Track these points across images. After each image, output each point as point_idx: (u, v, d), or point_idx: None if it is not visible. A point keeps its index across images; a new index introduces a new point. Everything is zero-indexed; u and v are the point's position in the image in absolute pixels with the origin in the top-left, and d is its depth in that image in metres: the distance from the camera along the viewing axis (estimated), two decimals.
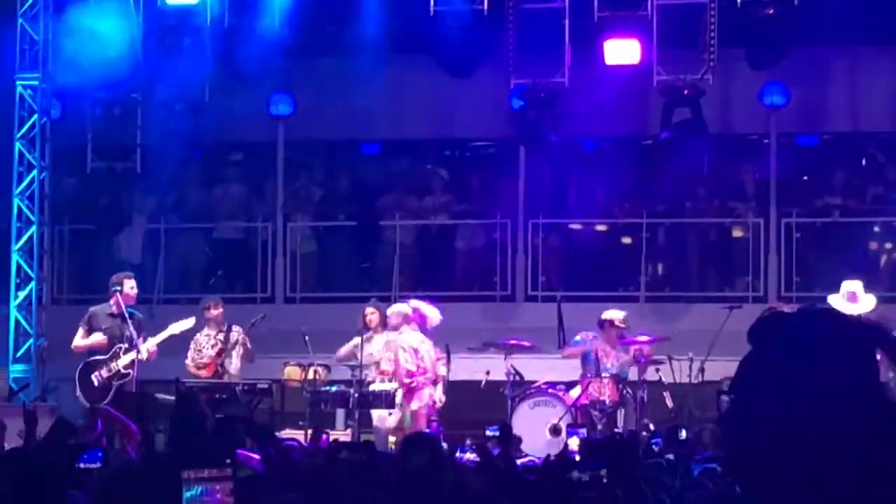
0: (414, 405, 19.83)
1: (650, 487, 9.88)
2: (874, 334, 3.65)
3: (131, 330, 19.79)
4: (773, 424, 3.51)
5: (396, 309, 20.28)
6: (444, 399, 20.15)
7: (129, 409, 18.98)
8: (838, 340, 3.56)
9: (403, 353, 19.89)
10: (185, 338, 20.84)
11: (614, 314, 20.67)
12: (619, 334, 20.53)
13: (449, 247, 26.16)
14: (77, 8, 23.78)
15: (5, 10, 23.95)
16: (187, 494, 7.14)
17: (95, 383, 19.82)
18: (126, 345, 19.77)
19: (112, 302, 19.97)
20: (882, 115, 24.26)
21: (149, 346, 19.95)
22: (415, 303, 20.41)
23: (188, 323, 20.09)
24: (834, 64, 23.73)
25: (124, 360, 19.70)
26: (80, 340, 20.06)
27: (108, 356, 19.82)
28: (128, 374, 19.78)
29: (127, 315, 19.91)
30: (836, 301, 19.16)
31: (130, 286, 20.10)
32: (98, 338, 19.86)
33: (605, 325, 20.63)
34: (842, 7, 22.60)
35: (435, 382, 20.06)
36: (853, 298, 19.09)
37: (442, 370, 20.20)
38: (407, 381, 19.83)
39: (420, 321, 20.06)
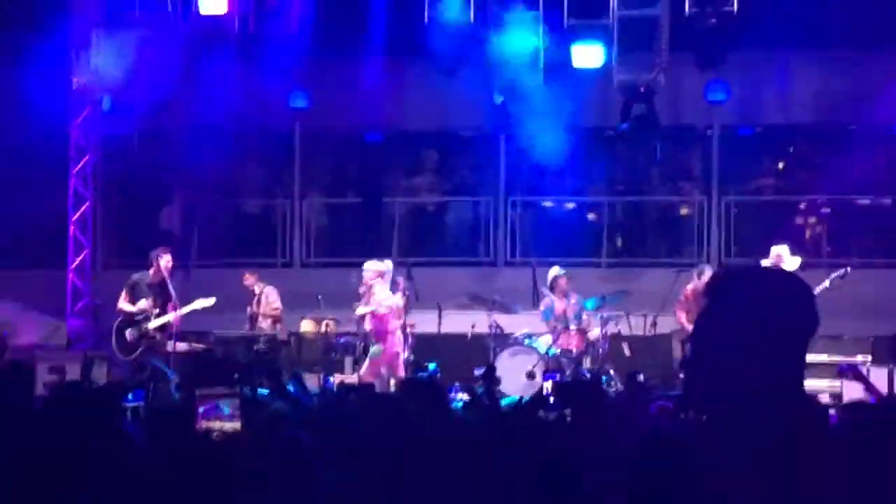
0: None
1: (612, 422, 9.82)
2: (804, 287, 3.65)
3: (174, 295, 19.77)
4: (724, 364, 3.51)
5: (377, 265, 20.20)
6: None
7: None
8: (769, 292, 3.57)
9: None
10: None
11: (555, 271, 20.75)
12: (565, 286, 20.42)
13: (440, 220, 26.23)
14: (125, 14, 23.71)
15: (60, 13, 23.87)
16: None
17: (128, 339, 19.81)
18: (157, 310, 19.76)
19: (151, 272, 19.93)
20: (807, 110, 24.26)
21: (172, 316, 19.92)
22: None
23: (209, 301, 19.96)
24: (767, 66, 23.70)
25: (154, 323, 19.67)
26: (123, 303, 20.00)
27: (141, 318, 19.78)
28: (154, 337, 19.75)
29: (167, 284, 19.95)
30: (766, 264, 19.01)
31: (166, 261, 20.00)
32: (143, 304, 19.79)
33: (553, 284, 20.60)
34: (774, 17, 22.58)
35: (403, 328, 20.02)
36: (779, 260, 19.03)
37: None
38: (382, 310, 19.75)
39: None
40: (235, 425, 6.94)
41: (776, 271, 3.75)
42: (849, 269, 19.42)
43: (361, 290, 20.08)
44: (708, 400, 3.67)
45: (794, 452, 3.41)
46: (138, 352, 19.69)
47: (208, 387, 9.19)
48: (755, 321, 3.55)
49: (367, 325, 19.92)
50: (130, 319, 19.94)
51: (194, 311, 19.89)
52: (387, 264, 20.39)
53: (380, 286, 19.99)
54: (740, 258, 23.24)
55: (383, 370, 19.24)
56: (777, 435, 3.43)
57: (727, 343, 3.58)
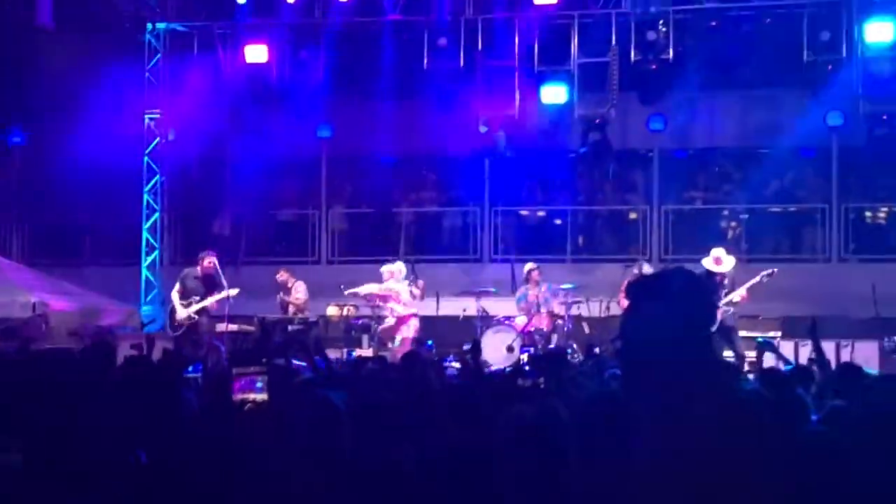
0: (404, 332, 19.94)
1: (574, 386, 9.90)
2: (708, 285, 3.77)
3: (225, 284, 19.89)
4: (644, 351, 3.59)
5: (390, 267, 20.37)
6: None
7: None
8: (685, 290, 3.64)
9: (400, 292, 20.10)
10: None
11: (529, 266, 20.76)
12: (537, 277, 20.48)
13: (438, 226, 26.24)
14: (187, 62, 23.81)
15: (136, 64, 23.95)
16: None
17: (176, 319, 20.07)
18: (198, 297, 19.99)
19: (198, 268, 20.14)
20: (729, 137, 24.29)
21: (208, 302, 20.11)
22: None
23: (234, 291, 20.01)
24: (697, 101, 23.70)
25: (193, 308, 19.86)
26: (174, 293, 20.30)
27: (186, 304, 20.01)
28: (194, 318, 19.95)
29: (216, 277, 20.14)
30: (707, 262, 18.81)
31: (208, 261, 20.23)
32: (206, 301, 20.10)
33: (528, 276, 20.65)
34: (702, 62, 22.65)
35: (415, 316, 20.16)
36: (718, 261, 18.84)
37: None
38: (401, 309, 20.03)
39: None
40: (264, 396, 7.03)
41: (677, 271, 3.78)
42: (775, 270, 19.13)
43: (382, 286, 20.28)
44: (642, 385, 3.77)
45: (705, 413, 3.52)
46: (183, 329, 19.94)
47: (254, 360, 9.29)
48: (664, 317, 3.67)
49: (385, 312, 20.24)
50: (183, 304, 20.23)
51: (230, 298, 20.04)
52: (398, 265, 20.55)
53: (394, 283, 20.18)
54: (676, 255, 23.25)
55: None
56: (691, 400, 3.54)
57: (646, 338, 3.70)
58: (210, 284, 20.15)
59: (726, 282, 18.83)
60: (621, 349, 3.85)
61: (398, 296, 20.18)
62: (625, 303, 19.04)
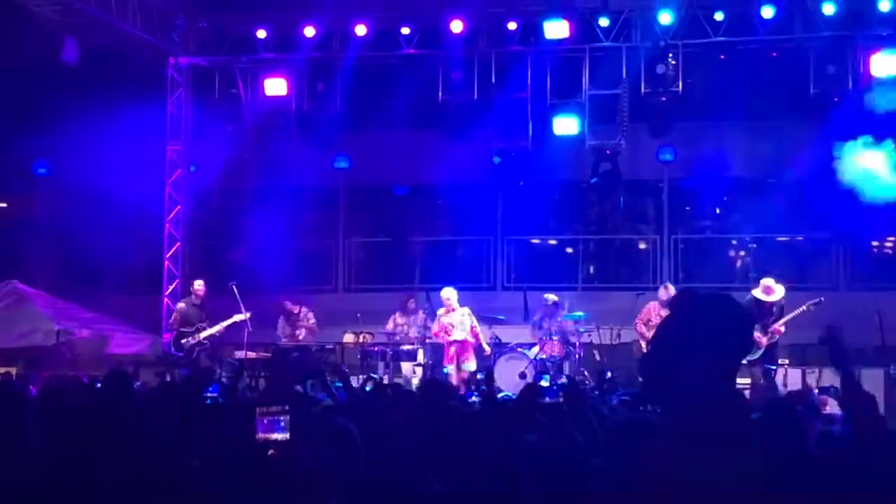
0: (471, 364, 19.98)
1: (588, 410, 9.92)
2: (747, 315, 3.78)
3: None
4: (673, 363, 3.60)
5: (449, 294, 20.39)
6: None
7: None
8: (720, 314, 3.66)
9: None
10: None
11: (549, 296, 20.66)
12: (554, 307, 20.43)
13: (452, 254, 26.24)
14: (209, 96, 23.92)
15: (158, 97, 24.06)
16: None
17: (185, 346, 20.15)
18: (205, 324, 20.12)
19: (192, 296, 20.44)
20: (737, 167, 24.26)
21: (218, 328, 20.21)
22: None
23: (245, 315, 20.12)
24: (705, 133, 23.79)
25: (204, 334, 20.04)
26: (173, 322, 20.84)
27: (192, 330, 20.14)
28: (205, 343, 20.09)
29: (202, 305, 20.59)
30: (757, 293, 18.62)
31: (198, 286, 20.49)
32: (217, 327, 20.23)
33: (545, 303, 20.59)
34: (711, 95, 22.75)
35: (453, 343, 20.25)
36: (769, 291, 18.62)
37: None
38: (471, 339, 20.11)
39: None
40: (286, 436, 7.02)
41: (726, 298, 3.81)
42: (822, 299, 18.89)
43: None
44: (661, 394, 3.79)
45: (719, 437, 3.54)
46: (193, 355, 20.05)
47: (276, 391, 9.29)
48: (703, 337, 3.67)
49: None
50: (185, 332, 20.32)
51: (248, 323, 20.16)
52: (446, 292, 20.52)
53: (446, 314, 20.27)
54: (686, 283, 23.21)
55: None
56: (706, 427, 3.56)
57: (678, 351, 3.68)
58: (206, 310, 20.41)
59: (775, 309, 18.62)
60: (651, 350, 3.87)
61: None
62: (642, 328, 19.03)
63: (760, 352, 18.36)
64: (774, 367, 18.49)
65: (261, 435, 6.82)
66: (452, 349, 19.94)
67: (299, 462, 6.47)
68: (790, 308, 18.64)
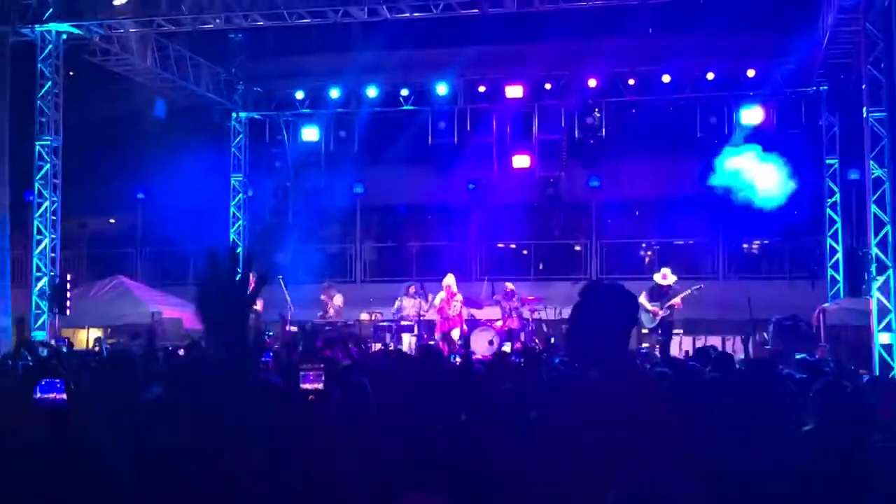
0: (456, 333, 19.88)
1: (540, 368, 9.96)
2: (632, 296, 3.89)
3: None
4: (581, 332, 3.71)
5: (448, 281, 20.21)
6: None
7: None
8: (611, 295, 3.77)
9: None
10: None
11: (507, 285, 20.52)
12: (511, 293, 20.38)
13: (438, 257, 26.22)
14: (261, 140, 23.99)
15: (224, 141, 24.10)
16: None
17: None
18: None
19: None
20: (646, 189, 24.26)
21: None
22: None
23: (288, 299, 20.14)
24: (622, 166, 23.82)
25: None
26: None
27: None
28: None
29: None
30: (657, 278, 18.73)
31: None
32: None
33: (505, 290, 20.54)
34: (626, 137, 22.80)
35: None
36: (665, 277, 18.60)
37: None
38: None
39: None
40: (320, 387, 7.06)
41: (616, 286, 3.93)
42: (701, 286, 18.98)
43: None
44: (581, 355, 3.92)
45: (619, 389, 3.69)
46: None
47: (311, 355, 9.33)
48: (602, 313, 3.79)
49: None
50: None
51: (290, 307, 20.14)
52: (449, 279, 20.24)
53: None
54: (609, 275, 23.25)
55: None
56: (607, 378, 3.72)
57: (586, 324, 3.82)
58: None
59: (670, 292, 18.70)
60: (569, 329, 3.98)
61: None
62: None
63: (657, 321, 18.42)
64: (666, 338, 18.41)
65: (303, 384, 6.88)
66: (446, 323, 19.94)
67: (330, 405, 6.54)
68: (682, 290, 18.78)
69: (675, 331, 19.03)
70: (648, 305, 18.36)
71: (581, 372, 4.13)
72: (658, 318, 18.45)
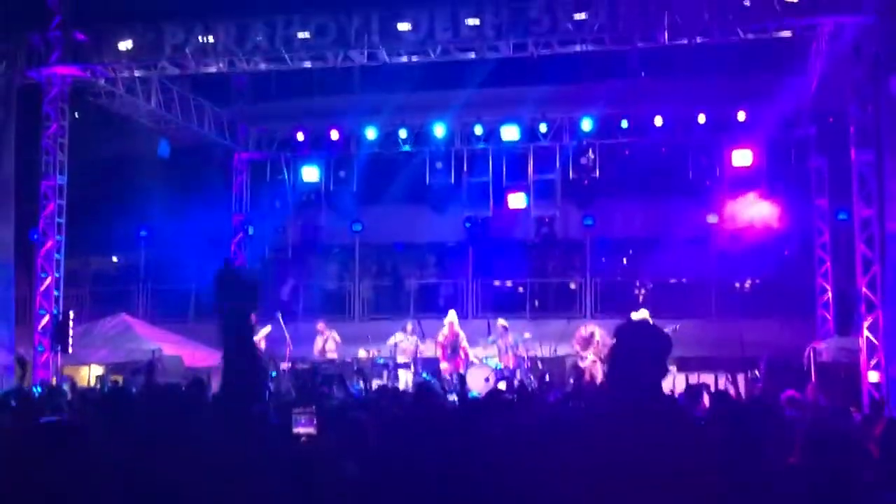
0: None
1: (533, 405, 9.96)
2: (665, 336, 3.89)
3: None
4: (619, 370, 3.72)
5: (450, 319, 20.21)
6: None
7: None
8: (648, 335, 3.78)
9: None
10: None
11: (501, 321, 20.47)
12: (504, 330, 20.32)
13: (435, 295, 26.26)
14: (262, 180, 24.05)
15: (226, 181, 24.15)
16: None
17: None
18: None
19: None
20: (638, 228, 24.37)
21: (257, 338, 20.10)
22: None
23: (268, 328, 19.96)
24: (615, 206, 23.91)
25: None
26: None
27: None
28: None
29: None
30: (635, 318, 18.95)
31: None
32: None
33: (500, 328, 20.48)
34: (618, 179, 22.89)
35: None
36: (643, 316, 19.01)
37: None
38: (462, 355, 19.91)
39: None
40: (313, 431, 7.05)
41: (648, 324, 3.98)
42: (678, 326, 19.05)
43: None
44: (619, 394, 3.92)
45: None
46: None
47: (309, 394, 9.36)
48: (640, 348, 3.85)
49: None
50: None
51: (289, 345, 20.04)
52: (452, 315, 20.28)
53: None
54: (603, 313, 23.17)
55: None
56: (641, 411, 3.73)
57: (626, 361, 3.86)
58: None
59: None
60: (609, 367, 3.99)
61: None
62: (577, 347, 18.94)
63: None
64: None
65: (296, 429, 6.86)
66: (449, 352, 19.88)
67: (324, 446, 6.52)
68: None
69: (671, 367, 19.02)
70: None
71: (587, 409, 4.13)
72: None
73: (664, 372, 3.91)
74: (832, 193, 21.27)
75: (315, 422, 6.89)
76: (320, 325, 21.20)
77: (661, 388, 4.00)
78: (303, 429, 6.89)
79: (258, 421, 7.41)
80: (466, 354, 19.99)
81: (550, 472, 3.81)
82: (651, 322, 4.14)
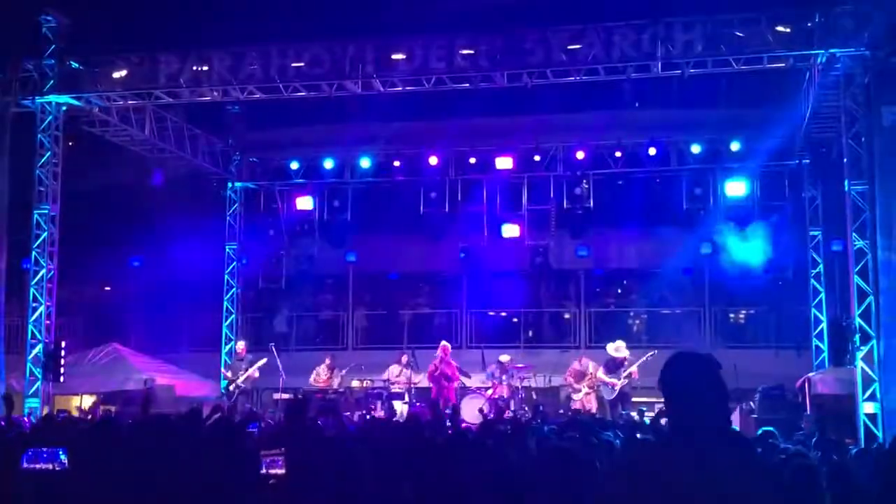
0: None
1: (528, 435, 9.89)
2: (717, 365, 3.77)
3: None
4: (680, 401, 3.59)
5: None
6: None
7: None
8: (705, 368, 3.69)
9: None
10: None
11: (503, 357, 20.45)
12: (506, 365, 20.28)
13: (430, 323, 26.17)
14: (256, 209, 23.99)
15: (219, 210, 24.04)
16: None
17: (231, 390, 19.99)
18: (242, 371, 19.83)
19: (236, 354, 20.21)
20: (633, 260, 24.41)
21: (250, 371, 19.96)
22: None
23: (263, 360, 20.01)
24: (609, 236, 23.90)
25: (241, 378, 19.76)
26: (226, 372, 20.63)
27: (234, 377, 19.97)
28: (242, 386, 19.86)
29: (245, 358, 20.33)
30: (611, 350, 19.46)
31: (241, 346, 20.33)
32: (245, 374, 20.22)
33: (499, 362, 20.39)
34: (612, 208, 22.90)
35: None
36: (618, 350, 19.38)
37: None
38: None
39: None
40: (281, 472, 6.99)
41: (699, 354, 3.88)
42: (655, 352, 19.20)
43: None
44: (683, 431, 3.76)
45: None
46: (234, 398, 19.76)
47: (299, 419, 9.22)
48: (699, 383, 3.73)
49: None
50: (229, 381, 20.14)
51: (283, 375, 19.98)
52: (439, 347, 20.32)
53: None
54: (598, 343, 23.08)
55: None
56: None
57: (682, 394, 3.74)
58: (246, 362, 20.19)
59: (626, 363, 19.10)
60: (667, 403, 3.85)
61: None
62: (570, 380, 19.01)
63: (616, 392, 18.83)
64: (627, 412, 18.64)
65: (265, 469, 6.81)
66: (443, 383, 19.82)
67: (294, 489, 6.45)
68: (636, 360, 19.16)
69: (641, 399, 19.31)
70: (606, 378, 18.94)
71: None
72: (617, 389, 18.84)
73: (729, 407, 3.79)
74: (826, 223, 21.31)
75: (283, 463, 6.82)
76: (329, 360, 21.14)
77: (731, 428, 3.88)
78: (272, 470, 6.82)
79: (249, 454, 7.34)
80: (455, 382, 19.92)
81: None
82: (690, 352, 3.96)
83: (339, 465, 6.42)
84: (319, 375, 20.74)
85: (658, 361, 19.03)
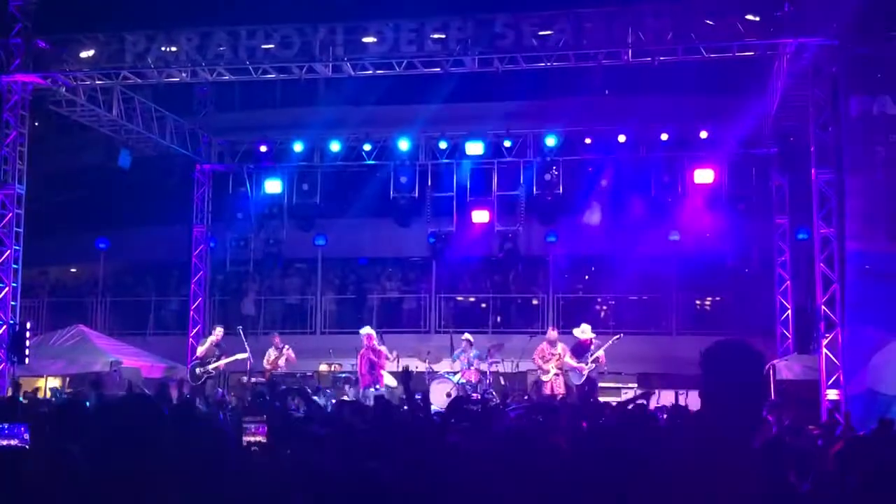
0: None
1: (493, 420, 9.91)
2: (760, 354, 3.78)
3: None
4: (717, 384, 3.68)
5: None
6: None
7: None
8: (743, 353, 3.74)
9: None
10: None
11: (467, 336, 20.44)
12: (468, 344, 20.28)
13: (399, 307, 26.17)
14: (224, 192, 23.85)
15: (188, 192, 23.83)
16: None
17: (197, 373, 19.80)
18: (214, 358, 19.68)
19: (213, 337, 19.98)
20: (600, 247, 24.37)
21: (223, 362, 19.83)
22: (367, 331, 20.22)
23: (244, 355, 19.77)
24: (578, 222, 23.80)
25: (212, 366, 19.63)
26: (199, 349, 20.30)
27: (204, 362, 19.81)
28: (212, 373, 19.69)
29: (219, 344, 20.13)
30: (577, 332, 19.53)
31: (219, 332, 20.11)
32: (200, 350, 20.08)
33: (464, 342, 20.42)
34: (580, 196, 22.97)
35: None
36: (584, 332, 19.40)
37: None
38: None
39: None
40: (263, 439, 6.99)
41: (742, 344, 3.87)
42: (621, 335, 19.52)
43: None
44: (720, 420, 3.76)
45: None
46: (202, 381, 19.63)
47: (263, 407, 9.26)
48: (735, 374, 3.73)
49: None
50: (200, 363, 19.94)
51: (250, 359, 19.82)
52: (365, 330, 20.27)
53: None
54: (566, 328, 23.13)
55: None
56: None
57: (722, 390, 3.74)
58: (221, 349, 19.98)
59: (592, 347, 19.13)
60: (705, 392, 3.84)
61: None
62: (539, 362, 19.09)
63: (584, 377, 18.88)
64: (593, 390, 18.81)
65: (246, 437, 6.80)
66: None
67: (273, 456, 6.45)
68: (603, 344, 19.28)
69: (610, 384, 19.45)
70: (573, 363, 18.96)
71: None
72: (584, 374, 18.90)
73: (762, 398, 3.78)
74: (793, 212, 21.49)
75: (265, 429, 6.83)
76: (276, 339, 20.94)
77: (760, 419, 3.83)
78: (252, 437, 6.83)
79: (215, 432, 7.31)
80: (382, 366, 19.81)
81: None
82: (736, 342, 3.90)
83: (308, 445, 6.41)
84: (270, 356, 20.54)
85: (623, 346, 19.31)
